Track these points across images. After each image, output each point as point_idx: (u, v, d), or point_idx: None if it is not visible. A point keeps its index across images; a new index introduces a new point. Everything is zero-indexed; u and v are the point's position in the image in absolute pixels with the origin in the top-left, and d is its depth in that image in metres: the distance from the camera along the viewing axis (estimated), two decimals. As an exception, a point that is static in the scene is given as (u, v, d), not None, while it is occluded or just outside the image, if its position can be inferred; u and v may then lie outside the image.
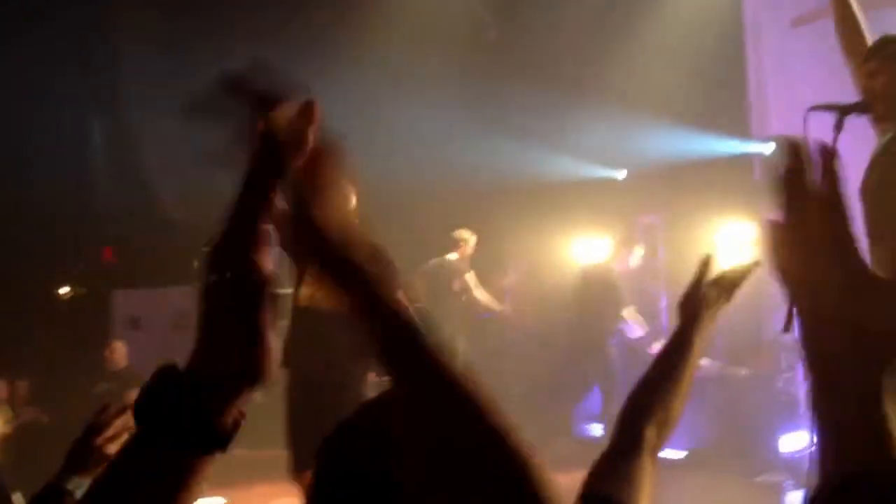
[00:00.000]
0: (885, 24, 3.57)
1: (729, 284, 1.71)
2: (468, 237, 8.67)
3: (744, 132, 9.18)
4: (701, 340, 1.64)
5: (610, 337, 8.46)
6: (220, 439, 0.87)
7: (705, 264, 1.72)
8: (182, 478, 0.85)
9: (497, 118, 9.98)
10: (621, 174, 10.66)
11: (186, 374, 0.86)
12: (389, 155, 9.42)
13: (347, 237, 0.91)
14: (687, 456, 7.19)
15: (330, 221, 0.91)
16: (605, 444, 1.51)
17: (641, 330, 8.70)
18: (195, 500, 0.86)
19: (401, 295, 0.87)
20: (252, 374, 0.88)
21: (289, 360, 4.76)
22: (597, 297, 8.41)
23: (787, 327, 3.15)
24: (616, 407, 6.13)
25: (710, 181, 8.82)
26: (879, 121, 3.46)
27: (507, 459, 0.79)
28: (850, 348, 0.79)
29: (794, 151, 0.85)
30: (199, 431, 0.85)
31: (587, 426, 9.12)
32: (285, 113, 0.90)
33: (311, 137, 0.92)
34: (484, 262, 8.88)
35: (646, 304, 9.57)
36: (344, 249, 0.90)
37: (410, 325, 0.85)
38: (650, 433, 1.48)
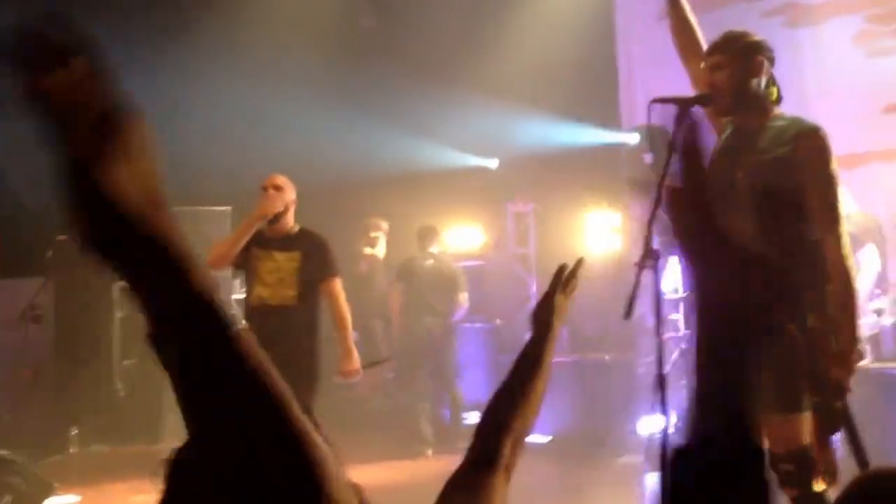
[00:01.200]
0: (723, 25, 3.69)
1: (570, 288, 1.73)
2: (372, 222, 8.81)
3: (614, 123, 9.38)
4: (552, 349, 1.67)
5: (442, 323, 8.56)
6: None
7: (561, 275, 1.72)
8: None
9: (370, 106, 9.93)
10: (493, 163, 10.75)
11: None
12: (261, 148, 9.25)
13: (144, 209, 0.79)
14: (551, 440, 7.33)
15: (120, 188, 0.79)
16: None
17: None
18: None
19: (206, 278, 0.78)
20: None
21: None
22: (425, 284, 8.47)
23: (627, 313, 3.24)
24: (454, 389, 6.27)
25: (581, 171, 9.00)
26: (720, 114, 3.57)
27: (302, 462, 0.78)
28: (727, 323, 0.83)
29: (689, 128, 0.90)
30: None
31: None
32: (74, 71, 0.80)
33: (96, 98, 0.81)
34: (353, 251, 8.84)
35: (517, 291, 9.72)
36: (139, 223, 0.78)
37: (217, 315, 0.78)
38: (507, 448, 1.51)
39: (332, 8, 9.90)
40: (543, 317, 1.69)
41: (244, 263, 5.27)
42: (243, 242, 5.18)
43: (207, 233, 8.86)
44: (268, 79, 9.41)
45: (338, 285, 5.36)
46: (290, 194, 5.36)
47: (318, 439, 0.81)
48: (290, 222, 5.35)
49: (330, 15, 9.81)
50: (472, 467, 1.48)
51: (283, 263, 5.20)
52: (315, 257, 5.26)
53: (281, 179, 5.37)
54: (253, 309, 5.17)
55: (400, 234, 9.73)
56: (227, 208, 8.90)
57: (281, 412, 0.78)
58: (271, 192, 5.25)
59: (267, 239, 5.26)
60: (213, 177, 8.82)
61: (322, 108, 9.55)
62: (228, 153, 9.29)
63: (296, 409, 0.80)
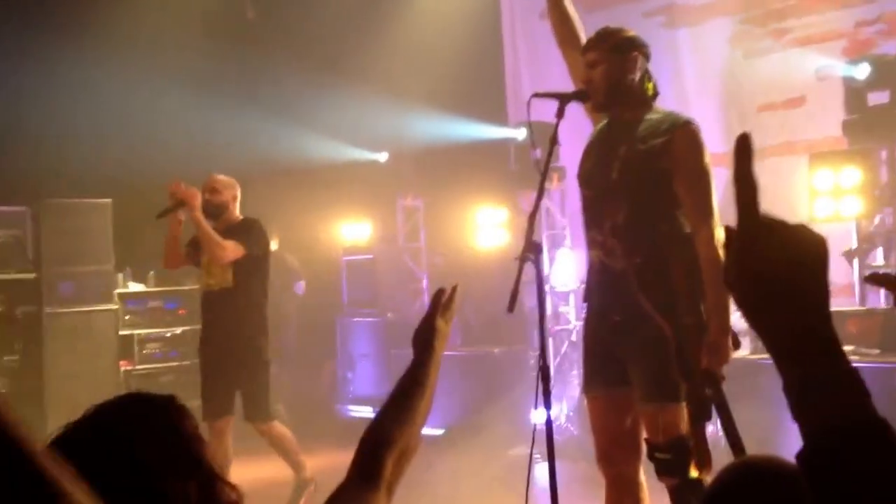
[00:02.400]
0: (605, 25, 3.78)
1: (449, 313, 1.77)
2: None
3: (502, 118, 9.49)
4: (436, 370, 1.69)
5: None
6: None
7: (439, 298, 1.76)
8: None
9: (257, 99, 9.81)
10: (383, 157, 10.75)
11: None
12: (144, 141, 9.05)
13: None
14: (444, 433, 7.40)
15: None
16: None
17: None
18: None
19: None
20: None
21: (204, 339, 5.85)
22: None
23: (510, 307, 3.32)
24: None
25: (470, 165, 9.07)
26: (597, 109, 3.66)
27: None
28: None
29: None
30: None
31: (349, 407, 9.19)
32: None
33: None
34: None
35: (407, 285, 9.75)
36: None
37: None
38: (389, 464, 1.52)
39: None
40: (425, 339, 1.71)
41: (197, 261, 5.80)
42: (172, 244, 5.70)
43: (88, 225, 8.66)
44: (152, 70, 9.20)
45: (239, 250, 5.61)
46: (230, 192, 5.79)
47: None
48: (234, 215, 5.79)
49: (215, 6, 9.64)
50: (354, 483, 1.49)
51: None
52: (240, 238, 5.66)
53: (217, 182, 5.77)
54: (203, 296, 5.87)
55: (292, 228, 9.68)
56: (108, 201, 8.76)
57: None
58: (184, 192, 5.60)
59: None
60: (94, 169, 8.62)
61: (208, 100, 9.38)
62: (110, 146, 9.05)
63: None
